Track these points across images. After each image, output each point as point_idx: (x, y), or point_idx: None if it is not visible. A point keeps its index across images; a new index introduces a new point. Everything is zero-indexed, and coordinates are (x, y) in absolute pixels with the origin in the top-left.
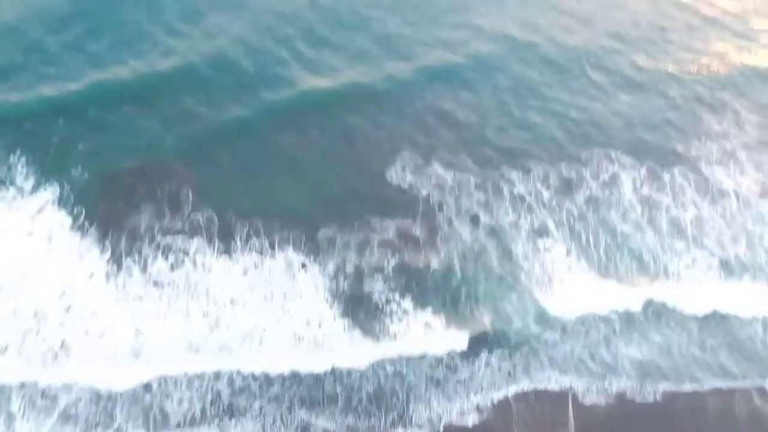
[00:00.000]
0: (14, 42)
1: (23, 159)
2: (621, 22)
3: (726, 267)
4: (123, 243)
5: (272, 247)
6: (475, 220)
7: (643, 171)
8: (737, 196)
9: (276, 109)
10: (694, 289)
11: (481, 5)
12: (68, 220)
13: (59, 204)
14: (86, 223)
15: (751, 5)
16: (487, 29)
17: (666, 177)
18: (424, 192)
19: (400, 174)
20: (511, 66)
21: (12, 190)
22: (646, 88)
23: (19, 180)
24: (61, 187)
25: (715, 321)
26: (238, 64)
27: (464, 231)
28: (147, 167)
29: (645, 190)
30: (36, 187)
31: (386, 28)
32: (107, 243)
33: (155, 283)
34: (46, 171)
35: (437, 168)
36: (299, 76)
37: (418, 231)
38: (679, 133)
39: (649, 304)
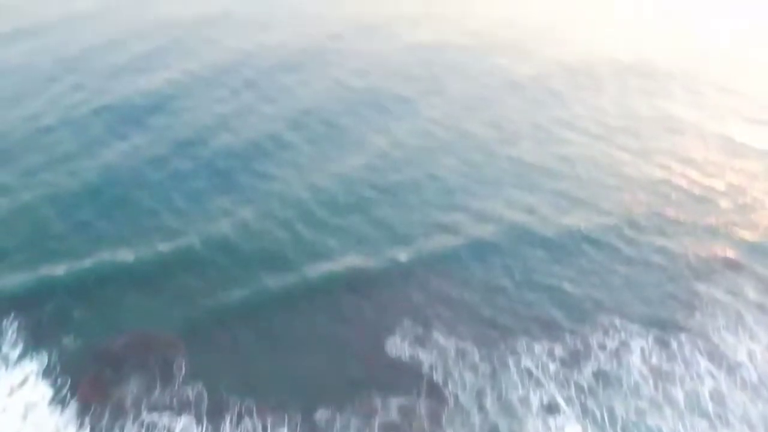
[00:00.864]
0: (25, 221)
1: (15, 325)
2: (615, 202)
3: None
4: (105, 419)
5: (265, 430)
6: (481, 396)
7: (650, 340)
8: (755, 366)
9: (274, 291)
10: None
11: (476, 188)
12: (50, 393)
13: (43, 375)
14: (68, 396)
15: (735, 182)
16: (483, 212)
17: (674, 345)
18: (426, 366)
19: (400, 348)
20: (507, 246)
21: None
22: (643, 262)
23: (5, 348)
24: (49, 357)
25: None
26: (238, 247)
27: (471, 408)
28: (139, 340)
29: (654, 360)
30: (22, 357)
31: (384, 211)
32: (87, 419)
33: None
34: (35, 339)
35: (439, 342)
36: (298, 259)
37: (422, 409)
38: (680, 302)
39: None
